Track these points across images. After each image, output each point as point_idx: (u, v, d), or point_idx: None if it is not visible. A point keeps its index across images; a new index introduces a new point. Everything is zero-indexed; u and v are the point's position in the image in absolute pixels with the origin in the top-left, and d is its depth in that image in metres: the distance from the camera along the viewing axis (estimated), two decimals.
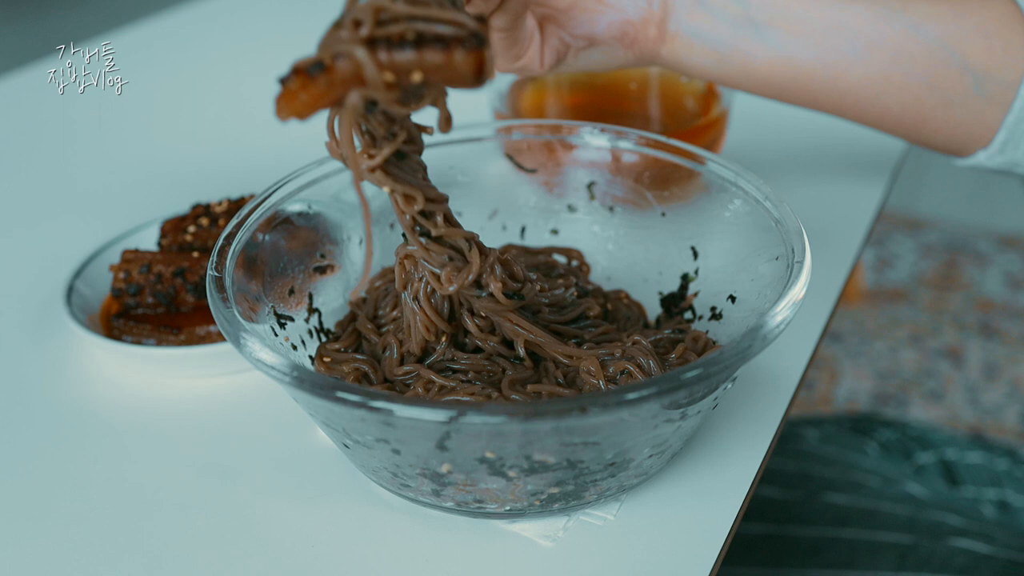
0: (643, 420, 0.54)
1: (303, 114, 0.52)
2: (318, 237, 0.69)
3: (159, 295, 0.74)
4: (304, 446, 0.66)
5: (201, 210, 0.80)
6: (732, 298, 0.66)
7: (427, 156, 0.72)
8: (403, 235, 0.61)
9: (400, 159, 0.57)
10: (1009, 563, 0.86)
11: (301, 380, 0.52)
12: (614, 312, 0.69)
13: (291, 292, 0.66)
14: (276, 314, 0.64)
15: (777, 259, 0.61)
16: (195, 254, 0.76)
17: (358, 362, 0.63)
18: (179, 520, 0.62)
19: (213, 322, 0.73)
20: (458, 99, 1.08)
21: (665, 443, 0.57)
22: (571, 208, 0.74)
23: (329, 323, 0.68)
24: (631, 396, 0.50)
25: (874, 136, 1.01)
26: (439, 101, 0.54)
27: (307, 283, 0.68)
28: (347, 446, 0.58)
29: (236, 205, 0.80)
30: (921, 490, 1.01)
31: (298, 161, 0.70)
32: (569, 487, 0.56)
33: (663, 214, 0.71)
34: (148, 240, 0.81)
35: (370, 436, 0.55)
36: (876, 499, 0.99)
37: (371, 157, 0.56)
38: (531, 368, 0.62)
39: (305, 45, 1.36)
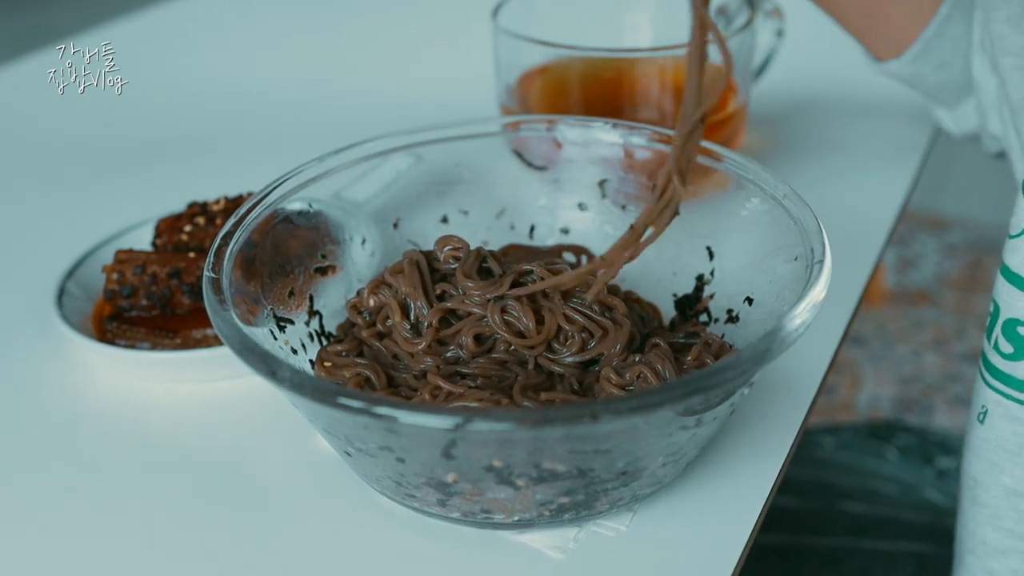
0: (657, 427, 0.54)
1: None
2: (319, 237, 0.69)
3: (154, 297, 0.74)
4: (304, 454, 0.66)
5: (197, 209, 0.80)
6: (749, 300, 0.66)
7: (431, 153, 0.72)
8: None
9: None
10: None
11: (301, 385, 0.52)
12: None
13: (291, 294, 0.66)
14: (275, 317, 0.64)
15: (796, 260, 0.61)
16: (191, 254, 0.76)
17: (360, 366, 0.63)
18: (174, 530, 0.62)
19: (210, 325, 0.72)
20: (463, 96, 1.08)
21: (680, 451, 0.57)
22: (582, 207, 0.74)
23: (330, 326, 0.68)
24: (644, 402, 0.50)
25: (897, 132, 1.01)
26: None
27: (308, 284, 0.68)
28: (349, 454, 0.58)
29: (234, 203, 0.80)
30: (941, 497, 1.01)
31: (298, 158, 0.70)
32: (580, 497, 0.56)
33: (677, 213, 0.71)
34: (142, 240, 0.82)
35: (373, 444, 0.55)
36: (895, 508, 0.99)
37: None
38: (543, 373, 0.62)
39: (303, 40, 1.36)
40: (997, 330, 0.71)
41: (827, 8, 0.85)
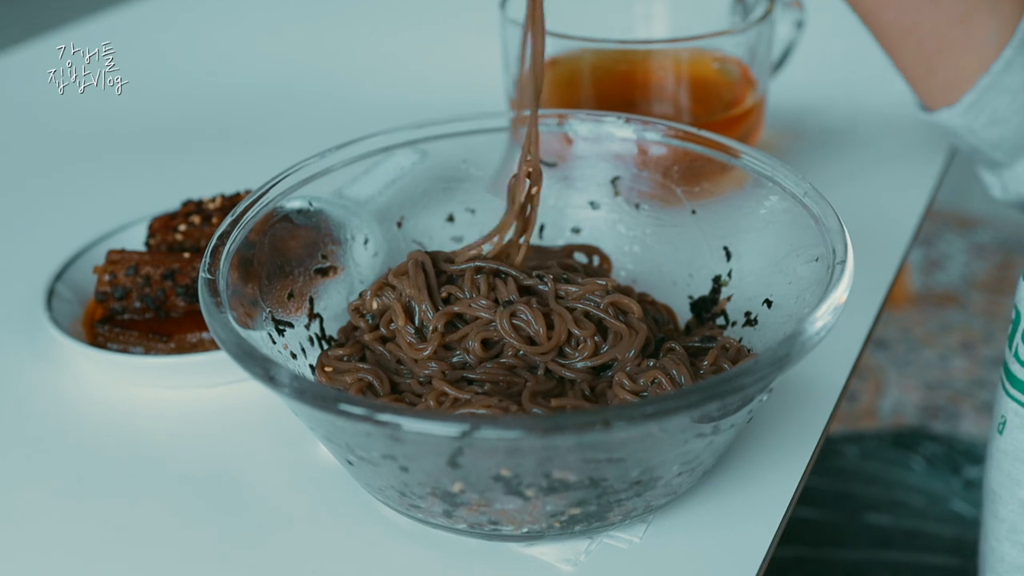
0: (672, 435, 0.54)
1: None
2: (319, 236, 0.70)
3: (147, 299, 0.74)
4: (304, 463, 0.66)
5: (193, 207, 0.80)
6: (768, 302, 0.66)
7: (437, 148, 0.72)
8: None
9: None
10: None
11: (301, 391, 0.52)
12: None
13: (290, 296, 0.66)
14: (274, 320, 0.64)
15: (817, 260, 0.61)
16: (186, 255, 0.76)
17: (363, 372, 0.63)
18: (167, 543, 0.62)
19: (205, 328, 0.73)
20: (471, 87, 1.08)
21: (696, 459, 0.57)
22: (594, 205, 0.74)
23: (331, 329, 0.68)
24: (658, 409, 0.50)
25: (922, 128, 1.00)
26: None
27: (308, 286, 0.68)
28: (351, 463, 0.58)
29: (230, 202, 0.80)
30: (969, 509, 1.00)
31: (298, 154, 0.70)
32: (591, 507, 0.56)
33: (693, 211, 0.71)
34: (135, 239, 0.82)
35: (376, 452, 0.55)
36: (920, 519, 0.98)
37: None
38: (554, 379, 0.62)
39: (302, 31, 1.36)
40: (1018, 338, 0.71)
41: (887, 47, 0.84)
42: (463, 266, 0.66)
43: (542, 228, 0.75)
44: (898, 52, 0.83)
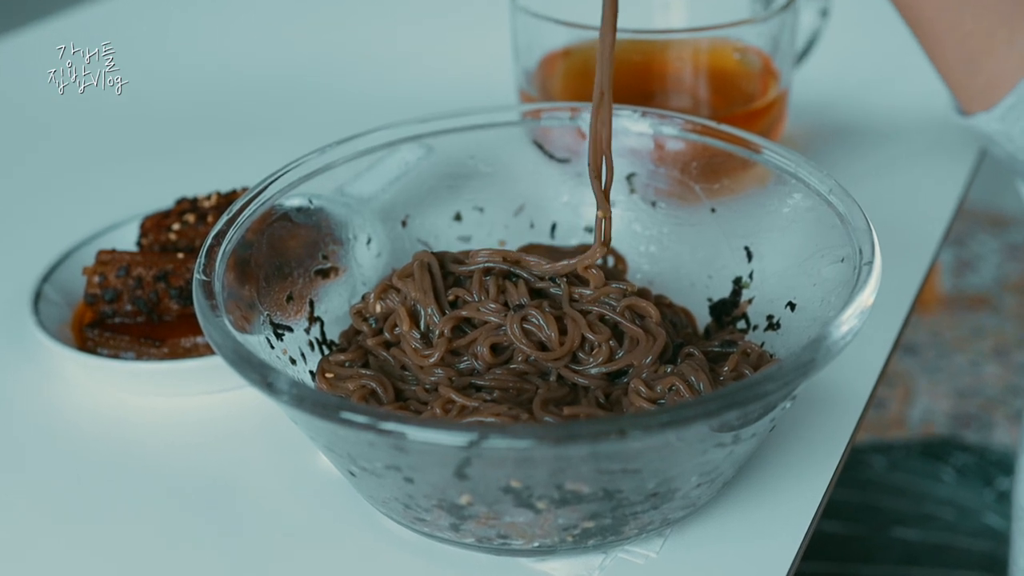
0: (690, 444, 0.54)
1: None
2: (320, 236, 0.70)
3: (139, 302, 0.74)
4: (304, 474, 0.66)
5: (187, 205, 0.80)
6: (791, 305, 0.66)
7: (445, 143, 0.72)
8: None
9: None
10: None
11: (300, 399, 0.52)
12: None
13: (289, 298, 0.66)
14: (272, 323, 0.64)
15: (843, 261, 0.61)
16: (180, 255, 0.76)
17: (365, 378, 0.63)
18: (161, 558, 0.62)
19: (200, 333, 0.73)
20: (480, 79, 1.08)
21: (715, 470, 0.57)
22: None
23: (332, 334, 0.68)
24: (676, 417, 0.50)
25: (952, 121, 1.00)
26: None
27: (308, 288, 0.68)
28: (353, 474, 0.58)
29: (227, 199, 0.80)
30: (1002, 522, 1.00)
31: (297, 149, 0.70)
32: (606, 520, 0.56)
33: (713, 210, 0.71)
34: (127, 239, 0.82)
35: (379, 463, 0.55)
36: (951, 533, 0.98)
37: None
38: (566, 386, 0.62)
39: (302, 20, 1.36)
40: None
41: (926, 45, 0.82)
42: (471, 267, 0.66)
43: (554, 227, 0.75)
44: (938, 51, 0.81)
